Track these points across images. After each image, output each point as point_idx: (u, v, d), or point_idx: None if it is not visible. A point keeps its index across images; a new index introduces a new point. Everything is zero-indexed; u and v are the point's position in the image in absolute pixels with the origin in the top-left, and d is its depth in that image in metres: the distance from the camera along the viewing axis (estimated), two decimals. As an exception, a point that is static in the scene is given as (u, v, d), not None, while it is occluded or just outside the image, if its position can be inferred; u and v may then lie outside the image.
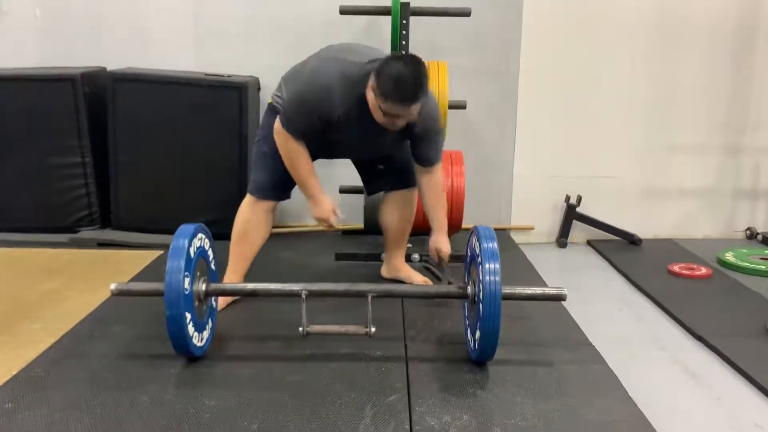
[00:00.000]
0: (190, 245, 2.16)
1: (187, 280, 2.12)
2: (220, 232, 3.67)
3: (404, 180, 2.81)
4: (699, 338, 2.68)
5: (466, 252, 2.39)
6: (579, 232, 4.16)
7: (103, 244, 3.64)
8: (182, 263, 2.10)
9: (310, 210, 2.60)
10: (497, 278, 2.07)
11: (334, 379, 2.14)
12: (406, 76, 2.24)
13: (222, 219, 3.71)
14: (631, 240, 4.07)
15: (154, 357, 2.26)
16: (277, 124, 2.47)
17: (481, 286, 2.09)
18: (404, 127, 2.41)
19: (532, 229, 4.18)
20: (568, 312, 2.76)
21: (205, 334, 2.31)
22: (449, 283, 2.66)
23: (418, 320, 2.61)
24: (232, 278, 2.71)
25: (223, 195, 3.70)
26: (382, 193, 2.94)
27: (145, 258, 3.32)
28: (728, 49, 4.02)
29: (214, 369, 2.20)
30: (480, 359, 2.21)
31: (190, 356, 2.20)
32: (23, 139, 3.69)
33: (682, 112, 4.09)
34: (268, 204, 2.69)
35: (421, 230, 3.63)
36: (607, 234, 4.13)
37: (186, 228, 2.20)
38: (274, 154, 2.55)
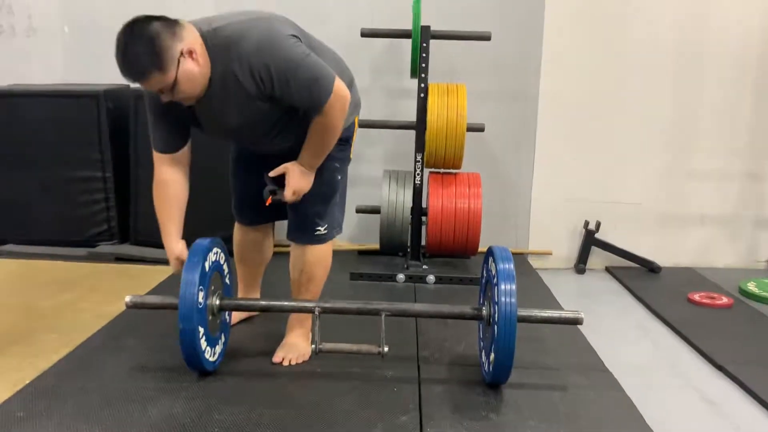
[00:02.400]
0: (205, 259, 2.17)
1: (201, 294, 2.12)
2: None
3: (293, 233, 2.40)
4: (719, 367, 2.62)
5: (482, 273, 2.37)
6: (597, 258, 4.12)
7: (120, 259, 3.66)
8: (197, 277, 2.10)
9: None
10: (513, 300, 2.05)
11: (346, 397, 2.12)
12: (121, 51, 1.93)
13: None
14: (650, 267, 4.02)
15: (166, 370, 2.26)
16: None
17: (496, 307, 2.07)
18: (235, 85, 2.02)
19: (550, 254, 4.14)
20: (584, 337, 2.72)
21: (218, 348, 2.30)
22: (273, 192, 2.26)
23: (432, 341, 2.59)
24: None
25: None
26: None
27: (162, 273, 3.33)
28: (751, 75, 3.98)
29: (226, 384, 2.19)
30: (494, 382, 2.18)
31: (202, 370, 2.20)
32: (47, 152, 3.75)
33: (703, 137, 4.05)
34: (247, 227, 2.58)
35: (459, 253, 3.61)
36: (626, 261, 4.08)
37: (201, 242, 2.21)
38: (233, 172, 2.52)
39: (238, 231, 2.62)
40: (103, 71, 3.94)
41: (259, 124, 2.16)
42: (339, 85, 2.09)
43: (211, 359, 2.23)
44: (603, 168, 4.06)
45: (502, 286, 2.07)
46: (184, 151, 2.28)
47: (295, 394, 2.14)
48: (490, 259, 2.24)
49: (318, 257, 2.39)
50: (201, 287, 2.12)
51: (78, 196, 3.78)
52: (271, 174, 2.24)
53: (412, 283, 3.45)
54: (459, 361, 2.43)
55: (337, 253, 3.94)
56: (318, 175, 2.26)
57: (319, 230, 2.35)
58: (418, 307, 2.45)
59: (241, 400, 2.07)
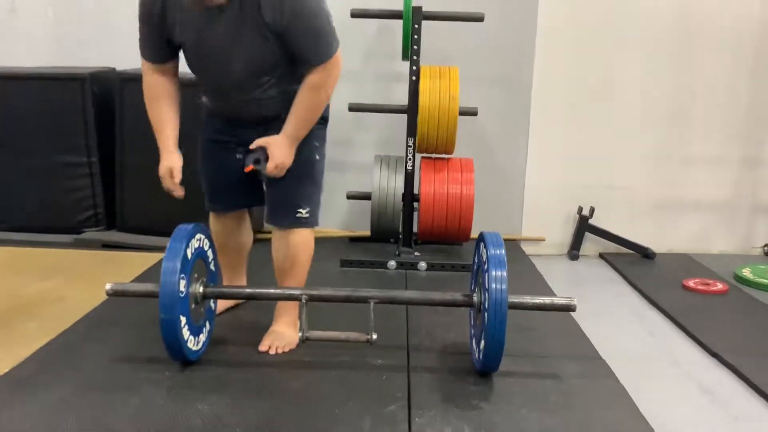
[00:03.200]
0: (187, 246, 2.10)
1: (182, 283, 2.06)
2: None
3: (273, 216, 2.32)
4: (714, 355, 2.58)
5: (474, 259, 2.31)
6: (591, 244, 4.06)
7: (107, 246, 3.59)
8: (177, 265, 2.04)
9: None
10: (503, 286, 2.00)
11: (332, 387, 2.07)
12: None
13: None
14: (644, 254, 3.97)
15: (149, 360, 2.20)
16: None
17: (487, 294, 2.01)
18: (253, 18, 1.99)
19: (543, 240, 4.09)
20: (578, 325, 2.68)
21: (202, 337, 2.24)
22: (257, 162, 2.18)
23: (421, 329, 2.54)
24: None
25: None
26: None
27: (148, 260, 3.26)
28: (747, 60, 3.92)
29: (210, 373, 2.13)
30: (484, 370, 2.13)
31: (185, 360, 2.14)
32: (32, 137, 3.66)
33: (698, 122, 3.99)
34: (222, 214, 2.47)
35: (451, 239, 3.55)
36: (620, 247, 4.03)
37: (183, 228, 2.14)
38: (205, 155, 2.39)
39: (213, 221, 2.50)
40: (89, 56, 3.91)
41: (254, 62, 2.10)
42: (339, 56, 2.13)
43: (194, 348, 2.17)
44: (598, 153, 4.00)
45: (493, 272, 2.02)
46: (175, 64, 2.22)
47: (280, 383, 2.09)
48: (482, 245, 2.18)
49: (301, 240, 2.32)
50: (183, 275, 2.06)
51: (63, 182, 3.69)
52: (253, 145, 2.19)
53: (403, 270, 3.40)
54: (449, 349, 2.38)
55: (327, 240, 3.92)
56: (297, 153, 2.21)
57: (300, 212, 2.28)
58: (407, 294, 2.39)
59: (224, 390, 2.02)
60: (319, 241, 3.92)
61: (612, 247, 4.05)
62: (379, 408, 1.93)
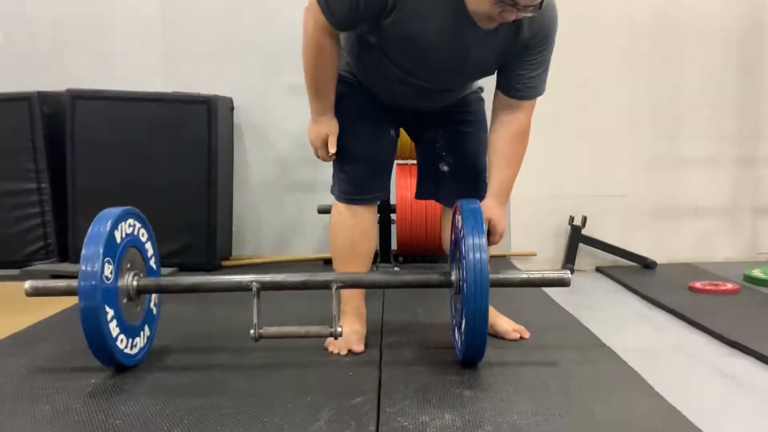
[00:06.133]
0: (114, 228, 1.81)
1: (108, 268, 1.76)
2: (189, 261, 3.38)
3: (469, 196, 1.98)
4: (734, 344, 2.26)
5: (451, 235, 2.01)
6: (586, 257, 3.77)
7: (56, 276, 3.26)
8: (100, 249, 1.74)
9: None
10: (483, 255, 1.70)
11: (289, 384, 1.74)
12: None
13: (190, 246, 3.42)
14: (644, 264, 3.68)
15: (74, 370, 1.87)
16: (315, 6, 1.78)
17: (465, 264, 1.72)
18: (510, 30, 1.79)
19: (535, 255, 3.79)
20: (578, 320, 2.37)
21: (139, 341, 1.92)
22: None
23: (398, 322, 2.23)
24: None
25: (191, 220, 3.39)
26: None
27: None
28: (733, 54, 3.75)
29: (144, 378, 1.80)
30: (467, 358, 1.80)
31: (115, 363, 1.81)
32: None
33: (689, 122, 3.78)
34: (364, 206, 2.10)
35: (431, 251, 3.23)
36: (617, 260, 3.74)
37: (109, 211, 1.86)
38: (360, 134, 2.04)
39: (348, 215, 2.05)
40: (40, 80, 3.69)
41: (482, 73, 1.97)
42: None
43: (128, 351, 1.84)
44: (585, 160, 3.77)
45: (470, 240, 1.72)
46: (345, 35, 1.94)
47: (226, 383, 1.75)
48: (457, 216, 1.90)
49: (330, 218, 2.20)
50: (108, 258, 1.76)
51: (10, 212, 3.40)
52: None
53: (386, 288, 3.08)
54: (429, 344, 2.06)
55: (301, 264, 3.62)
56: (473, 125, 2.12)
57: None
58: (375, 276, 2.08)
59: (159, 393, 1.68)
60: (293, 265, 3.68)
61: (609, 260, 3.76)
62: (342, 401, 1.59)
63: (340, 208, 2.08)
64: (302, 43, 1.87)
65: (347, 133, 1.99)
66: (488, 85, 2.10)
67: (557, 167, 3.76)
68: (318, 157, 2.02)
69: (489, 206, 1.93)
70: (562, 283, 1.86)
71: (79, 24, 3.75)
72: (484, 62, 1.89)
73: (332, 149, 1.97)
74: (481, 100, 2.17)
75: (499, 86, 1.95)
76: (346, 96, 2.00)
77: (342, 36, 1.93)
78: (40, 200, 3.41)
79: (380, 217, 3.25)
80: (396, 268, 3.24)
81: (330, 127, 1.97)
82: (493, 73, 1.96)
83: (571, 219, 3.73)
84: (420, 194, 2.21)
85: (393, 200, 3.27)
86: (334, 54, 1.88)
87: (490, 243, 1.92)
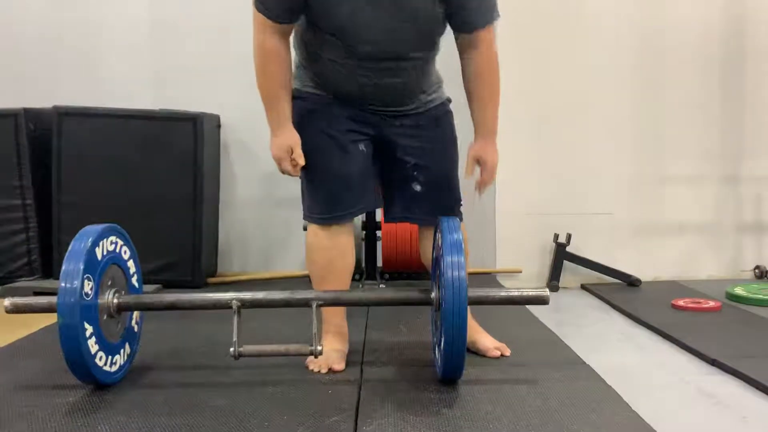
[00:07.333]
0: (95, 245, 1.82)
1: (88, 285, 1.77)
2: (175, 278, 3.38)
3: (444, 214, 1.98)
4: (713, 362, 2.27)
5: (433, 253, 2.03)
6: (571, 275, 3.79)
7: (39, 293, 3.25)
8: (80, 265, 1.75)
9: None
10: (461, 273, 1.72)
11: (268, 402, 1.74)
12: None
13: (176, 263, 3.41)
14: (629, 281, 3.70)
15: (54, 387, 1.86)
16: (254, 11, 1.86)
17: (443, 280, 1.73)
18: None
19: (520, 272, 3.81)
20: (559, 338, 2.38)
21: (119, 359, 1.92)
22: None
23: (380, 341, 2.23)
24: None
25: (177, 237, 3.38)
26: None
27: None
28: (716, 73, 3.80)
29: (123, 396, 1.79)
30: (447, 376, 1.81)
31: (94, 381, 1.80)
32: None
33: (673, 140, 3.82)
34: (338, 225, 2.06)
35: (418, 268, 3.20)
36: (602, 277, 3.76)
37: (90, 228, 1.86)
38: (333, 151, 1.99)
39: (324, 236, 2.02)
40: (27, 97, 3.69)
41: (416, 19, 1.85)
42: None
43: (107, 369, 1.84)
44: (571, 177, 3.79)
45: (448, 258, 1.74)
46: (293, 27, 1.94)
47: (206, 401, 1.75)
48: (437, 234, 1.91)
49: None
50: (88, 275, 1.76)
51: (-6, 229, 3.40)
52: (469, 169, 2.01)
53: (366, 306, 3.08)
54: (410, 363, 2.07)
55: (286, 281, 3.61)
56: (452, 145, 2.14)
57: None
58: (355, 294, 2.08)
59: (136, 411, 1.67)
60: (279, 282, 3.68)
61: (594, 277, 3.78)
62: (319, 420, 1.59)
63: (315, 230, 2.04)
64: (255, 64, 1.91)
65: (313, 151, 1.96)
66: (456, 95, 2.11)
67: (543, 184, 3.78)
68: (283, 172, 1.96)
69: (476, 147, 1.99)
70: (541, 301, 1.88)
71: (66, 41, 3.77)
72: (421, 8, 1.84)
73: (300, 160, 1.92)
74: (449, 113, 2.15)
75: (453, 28, 1.93)
76: (309, 114, 1.99)
77: (295, 50, 1.99)
78: (25, 216, 3.40)
79: (366, 234, 3.27)
80: (382, 285, 3.24)
81: (291, 138, 1.93)
82: (441, 24, 1.91)
83: (556, 236, 3.75)
84: (390, 217, 2.16)
85: (378, 217, 3.28)
86: (281, 59, 1.89)
87: (482, 181, 2.01)
